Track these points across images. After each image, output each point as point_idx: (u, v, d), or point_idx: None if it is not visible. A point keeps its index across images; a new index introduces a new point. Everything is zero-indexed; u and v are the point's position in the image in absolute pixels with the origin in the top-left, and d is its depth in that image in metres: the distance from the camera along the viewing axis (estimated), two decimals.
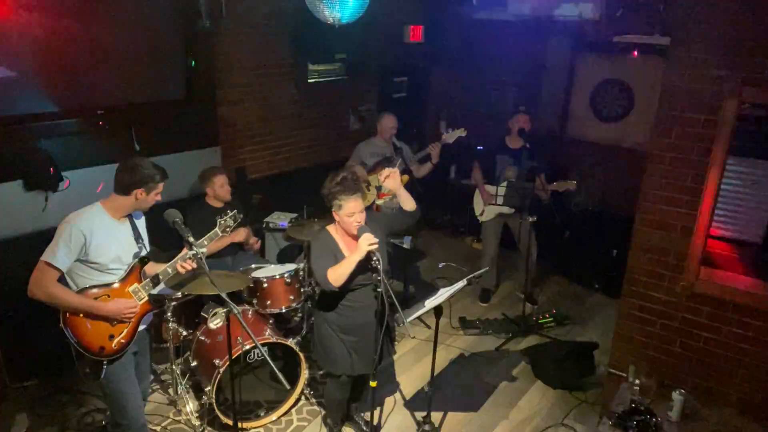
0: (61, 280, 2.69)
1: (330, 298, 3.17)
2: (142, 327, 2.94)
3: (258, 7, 5.07)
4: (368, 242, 2.87)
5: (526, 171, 5.07)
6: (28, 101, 3.75)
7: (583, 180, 6.32)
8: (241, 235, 4.39)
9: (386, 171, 3.13)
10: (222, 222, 3.07)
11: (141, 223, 2.98)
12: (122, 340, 2.81)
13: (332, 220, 3.14)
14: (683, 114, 3.41)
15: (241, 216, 3.18)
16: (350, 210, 2.95)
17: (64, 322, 2.70)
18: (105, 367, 2.79)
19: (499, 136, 5.31)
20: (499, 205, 5.07)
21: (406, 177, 5.08)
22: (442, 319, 3.50)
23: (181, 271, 2.89)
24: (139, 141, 4.33)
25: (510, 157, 5.15)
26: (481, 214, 5.34)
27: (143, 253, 2.91)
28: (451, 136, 5.08)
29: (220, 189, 4.31)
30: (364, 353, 3.21)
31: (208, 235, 3.00)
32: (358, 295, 3.14)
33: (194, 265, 2.87)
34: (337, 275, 2.95)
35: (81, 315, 2.71)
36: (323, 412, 3.79)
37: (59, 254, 2.62)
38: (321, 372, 3.91)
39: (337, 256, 3.07)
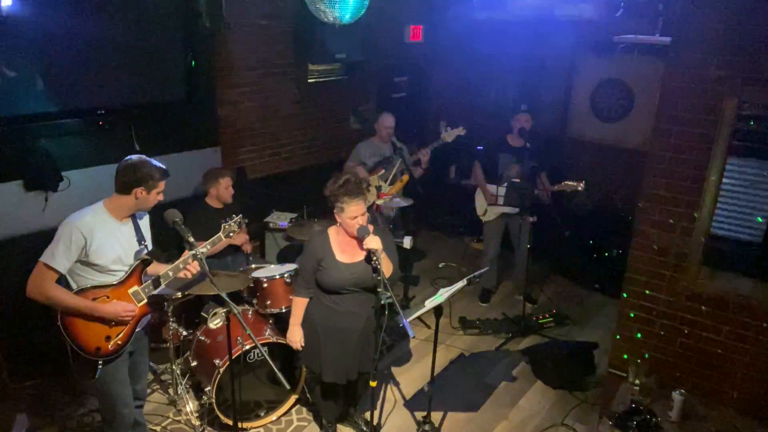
0: (62, 279, 2.68)
1: (320, 298, 3.19)
2: (139, 329, 2.93)
3: (258, 7, 5.07)
4: (295, 343, 3.29)
5: (529, 170, 5.07)
6: (28, 101, 3.75)
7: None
8: (240, 239, 4.39)
9: (368, 239, 2.95)
10: (226, 227, 3.06)
11: (144, 223, 2.96)
12: (119, 342, 2.80)
13: (333, 220, 3.14)
14: (683, 114, 3.41)
15: (246, 221, 3.18)
16: (352, 213, 2.97)
17: (61, 321, 2.69)
18: (100, 367, 2.78)
19: (501, 135, 5.31)
20: (500, 205, 5.07)
21: (406, 177, 5.08)
22: (442, 319, 3.49)
23: (184, 275, 2.88)
24: (139, 141, 4.33)
25: (512, 156, 5.15)
26: (484, 214, 5.33)
27: (145, 253, 2.88)
28: (450, 135, 5.08)
29: (224, 191, 4.31)
30: (337, 361, 3.22)
31: (211, 239, 3.00)
32: (347, 299, 3.14)
33: (197, 268, 2.86)
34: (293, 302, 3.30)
35: (79, 315, 2.70)
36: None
37: (58, 256, 2.60)
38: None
39: (324, 260, 3.10)
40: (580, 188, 4.87)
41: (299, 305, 3.26)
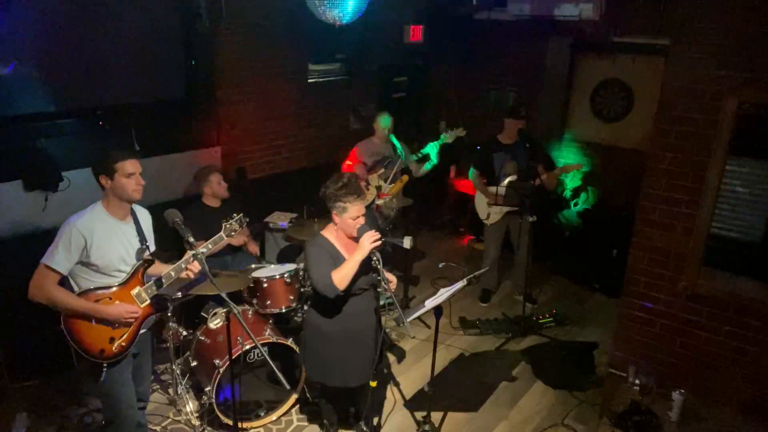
0: (65, 282, 2.68)
1: (330, 306, 3.10)
2: (143, 330, 2.91)
3: (258, 7, 5.06)
4: (371, 240, 2.87)
5: (526, 166, 5.04)
6: (28, 101, 3.75)
7: (583, 180, 6.33)
8: (239, 239, 4.39)
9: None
10: (227, 225, 3.05)
11: (146, 223, 2.95)
12: (123, 344, 2.79)
13: (331, 221, 3.12)
14: (683, 114, 3.41)
15: (247, 220, 3.16)
16: (355, 213, 2.95)
17: (65, 324, 2.68)
18: (105, 369, 2.76)
19: (491, 135, 5.27)
20: (501, 204, 5.05)
21: (406, 177, 5.08)
22: (442, 319, 3.49)
23: (185, 276, 2.87)
24: (139, 141, 4.33)
25: (506, 153, 5.12)
26: (487, 217, 5.30)
27: (147, 254, 2.87)
28: (450, 137, 5.07)
29: (217, 186, 4.31)
30: (359, 363, 3.21)
31: (212, 239, 2.99)
32: (359, 300, 3.13)
33: (198, 268, 2.85)
34: (341, 277, 2.90)
35: (81, 317, 2.69)
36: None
37: (59, 257, 2.60)
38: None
39: (337, 260, 3.05)
40: (578, 168, 4.91)
41: (346, 264, 2.94)
